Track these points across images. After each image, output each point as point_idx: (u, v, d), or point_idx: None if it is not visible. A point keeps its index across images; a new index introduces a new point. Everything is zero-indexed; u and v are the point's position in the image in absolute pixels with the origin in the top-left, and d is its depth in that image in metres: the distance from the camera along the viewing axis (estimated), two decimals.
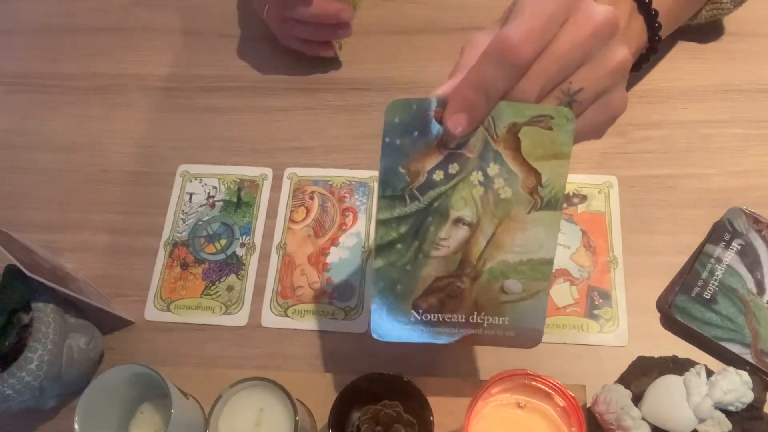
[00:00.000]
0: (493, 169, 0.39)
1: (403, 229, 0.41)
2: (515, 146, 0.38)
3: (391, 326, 0.43)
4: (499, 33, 0.35)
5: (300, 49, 0.68)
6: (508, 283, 0.41)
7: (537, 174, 0.39)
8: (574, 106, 0.37)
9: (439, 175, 0.40)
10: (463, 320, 0.42)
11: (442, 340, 0.43)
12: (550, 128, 0.37)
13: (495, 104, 0.37)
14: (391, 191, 0.40)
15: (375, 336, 0.44)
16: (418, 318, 0.43)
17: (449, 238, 0.41)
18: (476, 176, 0.39)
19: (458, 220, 0.40)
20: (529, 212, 0.39)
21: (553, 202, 0.39)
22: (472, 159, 0.39)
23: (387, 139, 0.39)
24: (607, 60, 0.37)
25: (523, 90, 0.36)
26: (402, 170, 0.40)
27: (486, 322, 0.42)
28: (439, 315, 0.42)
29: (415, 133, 0.39)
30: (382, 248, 0.42)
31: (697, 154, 0.62)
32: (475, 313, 0.42)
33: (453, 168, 0.39)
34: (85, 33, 0.75)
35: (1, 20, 0.77)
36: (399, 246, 0.41)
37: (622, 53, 0.38)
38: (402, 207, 0.41)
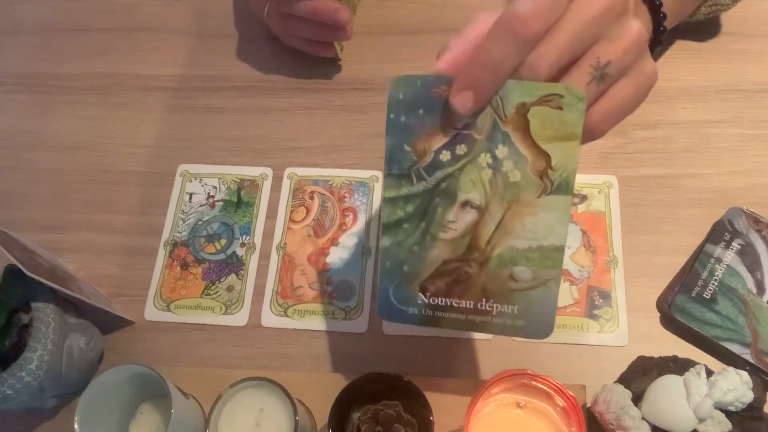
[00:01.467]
0: (501, 151, 0.38)
1: (410, 208, 0.41)
2: (524, 127, 0.37)
3: (397, 307, 0.42)
4: (507, 7, 0.34)
5: (301, 48, 0.68)
6: (517, 270, 0.40)
7: (547, 156, 0.37)
8: (606, 80, 0.36)
9: (446, 156, 0.39)
10: (471, 306, 0.41)
11: (449, 327, 0.42)
12: (560, 108, 0.36)
13: (503, 81, 0.36)
14: (397, 169, 0.40)
15: (382, 316, 0.43)
16: (426, 301, 0.42)
17: (457, 221, 0.40)
18: (484, 158, 0.38)
19: (466, 203, 0.40)
20: (539, 196, 0.38)
21: (563, 185, 0.38)
22: (480, 140, 0.38)
23: (392, 116, 0.39)
24: (624, 34, 0.36)
25: (533, 66, 0.35)
26: (408, 148, 0.39)
27: (495, 309, 0.41)
28: (447, 299, 0.42)
29: (421, 111, 0.38)
30: (388, 227, 0.41)
31: (697, 154, 0.62)
32: (484, 300, 0.41)
33: (461, 149, 0.39)
34: (85, 33, 0.75)
35: (1, 20, 0.77)
36: (406, 226, 0.41)
37: (636, 26, 0.37)
38: (409, 186, 0.40)
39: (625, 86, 0.37)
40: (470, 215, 0.40)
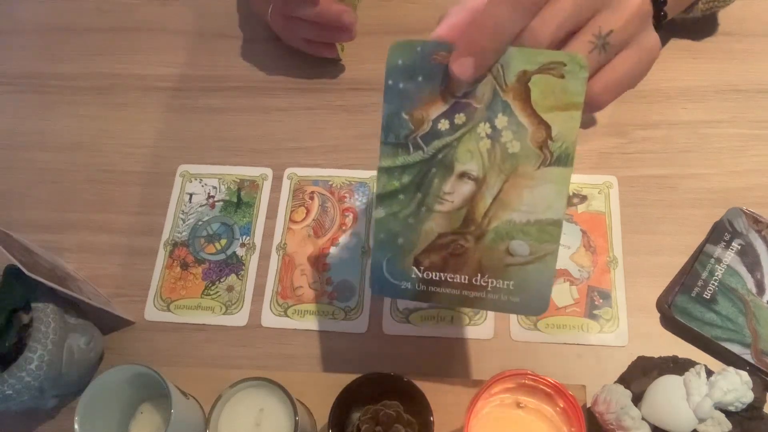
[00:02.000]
0: (501, 121, 0.37)
1: (405, 179, 0.40)
2: (525, 96, 0.36)
3: (391, 282, 0.42)
4: None
5: (303, 49, 0.68)
6: (513, 244, 0.39)
7: (547, 127, 0.37)
8: (607, 50, 0.36)
9: (444, 125, 0.38)
10: (466, 281, 0.40)
11: (443, 303, 0.41)
12: (562, 76, 0.35)
13: (504, 48, 0.35)
14: (393, 138, 0.39)
15: (374, 291, 0.42)
16: (420, 275, 0.41)
17: (453, 192, 0.39)
18: (483, 128, 0.38)
19: (463, 174, 0.39)
20: (538, 168, 0.37)
21: (563, 157, 0.37)
22: (479, 109, 0.37)
23: (390, 82, 0.38)
24: (626, 4, 0.36)
25: (535, 33, 0.35)
26: (405, 116, 0.39)
27: (490, 285, 0.40)
28: (441, 274, 0.41)
29: (420, 78, 0.38)
30: (383, 197, 0.40)
31: (697, 154, 0.62)
32: (479, 275, 0.40)
33: (459, 118, 0.38)
34: (85, 33, 0.75)
35: (2, 20, 0.77)
36: (401, 196, 0.40)
37: None
38: (405, 156, 0.39)
39: (627, 58, 0.37)
40: (467, 187, 0.39)
